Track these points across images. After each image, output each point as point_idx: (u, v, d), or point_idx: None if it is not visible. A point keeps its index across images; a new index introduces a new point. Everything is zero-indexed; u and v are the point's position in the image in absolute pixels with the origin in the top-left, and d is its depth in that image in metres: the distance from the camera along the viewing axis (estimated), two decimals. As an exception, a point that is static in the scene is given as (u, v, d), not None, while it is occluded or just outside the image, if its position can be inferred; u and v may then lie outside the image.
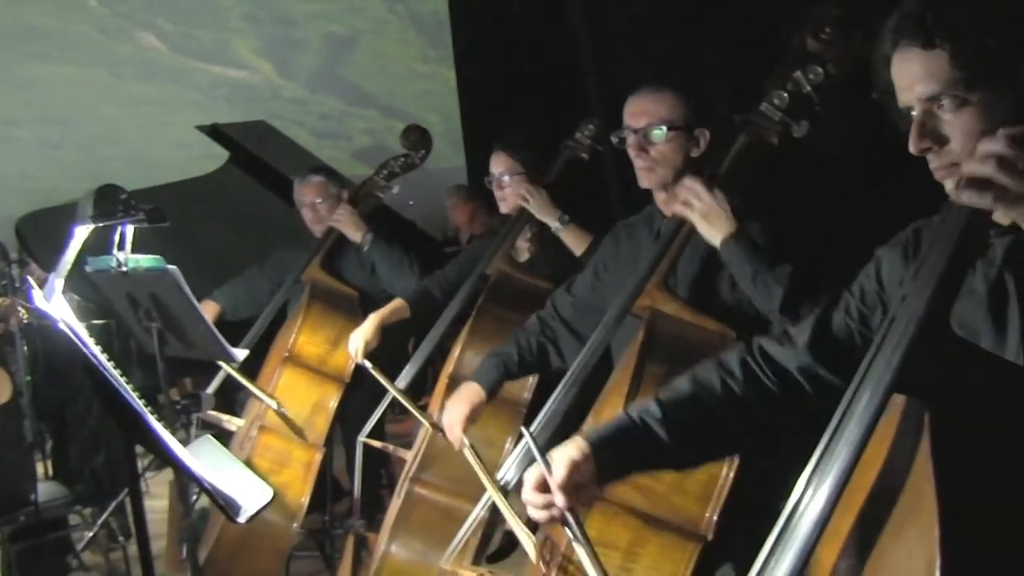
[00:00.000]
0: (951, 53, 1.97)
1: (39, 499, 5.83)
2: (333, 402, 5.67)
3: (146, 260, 4.44)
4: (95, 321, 7.16)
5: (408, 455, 4.85)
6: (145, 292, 4.57)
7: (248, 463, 4.67)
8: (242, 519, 2.76)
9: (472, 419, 4.00)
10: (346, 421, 5.88)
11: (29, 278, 3.41)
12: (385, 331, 5.27)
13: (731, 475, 3.04)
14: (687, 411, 2.58)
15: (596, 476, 2.48)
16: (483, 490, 3.86)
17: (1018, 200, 1.73)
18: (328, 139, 13.55)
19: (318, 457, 5.60)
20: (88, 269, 4.59)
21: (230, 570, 5.53)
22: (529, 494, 2.47)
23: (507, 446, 4.39)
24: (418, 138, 5.85)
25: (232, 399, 6.70)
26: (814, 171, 4.90)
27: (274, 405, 5.40)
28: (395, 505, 4.74)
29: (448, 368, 4.75)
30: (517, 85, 10.59)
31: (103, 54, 12.49)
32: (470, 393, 4.06)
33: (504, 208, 5.14)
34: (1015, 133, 1.72)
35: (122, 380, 2.76)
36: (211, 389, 5.59)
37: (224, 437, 4.95)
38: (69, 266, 3.26)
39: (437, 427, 4.30)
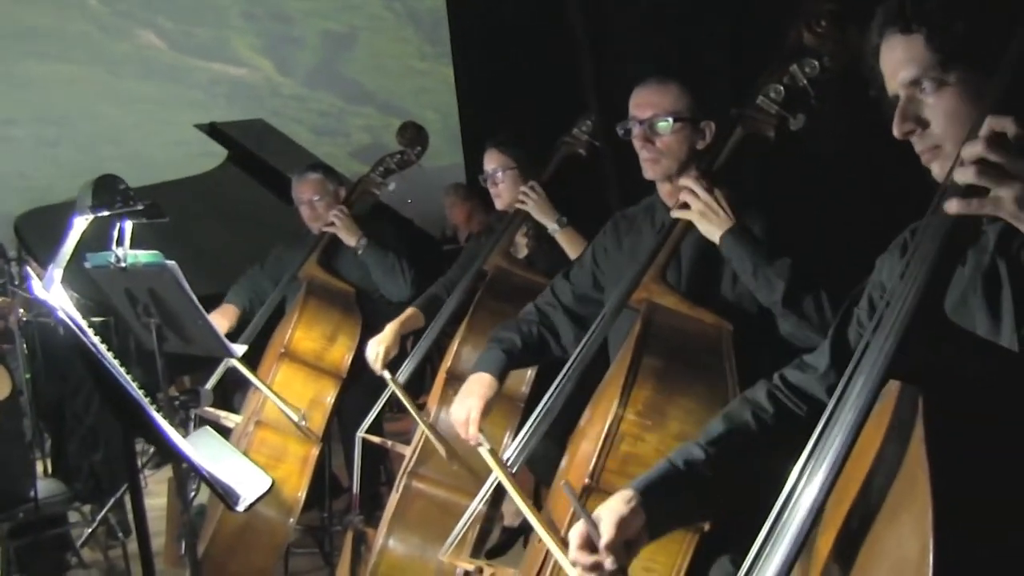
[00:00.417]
0: (926, 36, 2.02)
1: (38, 496, 5.82)
2: (330, 397, 5.69)
3: (145, 255, 4.43)
4: (94, 318, 7.15)
5: (407, 451, 4.85)
6: (144, 288, 4.56)
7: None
8: (241, 508, 2.76)
9: (486, 412, 3.97)
10: (344, 417, 5.89)
11: (28, 268, 3.42)
12: (383, 326, 5.29)
13: (728, 466, 3.05)
14: (726, 448, 2.62)
15: (647, 527, 2.47)
16: (480, 484, 3.87)
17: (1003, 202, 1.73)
18: (327, 136, 13.54)
19: (315, 451, 5.61)
20: (87, 265, 4.58)
21: (227, 566, 5.53)
22: (576, 554, 2.44)
23: (505, 440, 4.40)
24: (414, 135, 5.85)
25: (230, 396, 6.71)
26: (810, 166, 4.90)
27: (296, 417, 5.38)
28: (393, 500, 4.74)
29: (446, 364, 4.75)
30: (515, 82, 10.59)
31: (102, 52, 12.48)
32: (480, 386, 4.01)
33: (499, 205, 5.16)
34: (991, 131, 1.72)
35: (122, 371, 2.76)
36: (210, 385, 5.60)
37: (222, 433, 4.96)
38: (68, 257, 3.26)
39: (448, 449, 4.29)
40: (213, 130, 9.94)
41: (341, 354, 5.73)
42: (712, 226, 3.41)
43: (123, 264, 4.39)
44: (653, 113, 3.66)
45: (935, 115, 2.05)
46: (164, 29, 12.80)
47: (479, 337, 4.68)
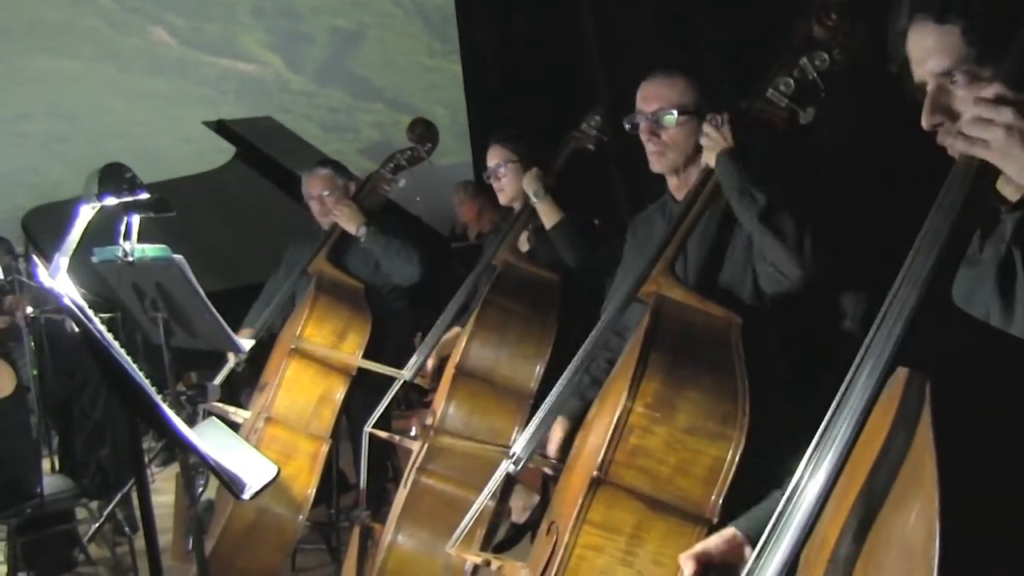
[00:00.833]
0: (963, 28, 1.97)
1: (45, 492, 5.83)
2: (339, 394, 5.68)
3: (152, 250, 4.44)
4: (101, 314, 7.15)
5: (414, 446, 4.85)
6: (151, 282, 4.57)
7: (253, 454, 4.68)
8: (247, 496, 2.75)
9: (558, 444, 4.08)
10: (351, 413, 5.88)
11: (34, 257, 3.42)
12: (392, 322, 5.30)
13: (736, 458, 3.03)
14: None
15: None
16: (488, 479, 3.87)
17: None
18: (336, 132, 13.56)
19: (324, 448, 5.61)
20: (94, 260, 4.59)
21: (235, 562, 5.53)
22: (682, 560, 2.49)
23: (513, 435, 4.39)
24: (424, 131, 5.85)
25: (237, 392, 6.71)
26: (819, 159, 4.89)
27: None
28: (402, 495, 4.74)
29: (454, 359, 4.75)
30: (523, 78, 10.59)
31: (112, 48, 12.50)
32: (558, 427, 4.10)
33: (503, 199, 5.16)
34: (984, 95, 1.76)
35: (128, 358, 2.76)
36: (217, 380, 5.60)
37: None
38: (74, 245, 3.25)
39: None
40: (221, 127, 9.96)
41: (351, 351, 5.71)
42: (710, 152, 3.45)
43: (130, 258, 4.40)
44: (659, 106, 3.67)
45: (966, 108, 2.02)
46: (174, 25, 12.82)
47: (488, 332, 4.68)
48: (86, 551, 6.64)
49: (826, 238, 3.32)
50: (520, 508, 5.44)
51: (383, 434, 5.14)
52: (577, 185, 4.88)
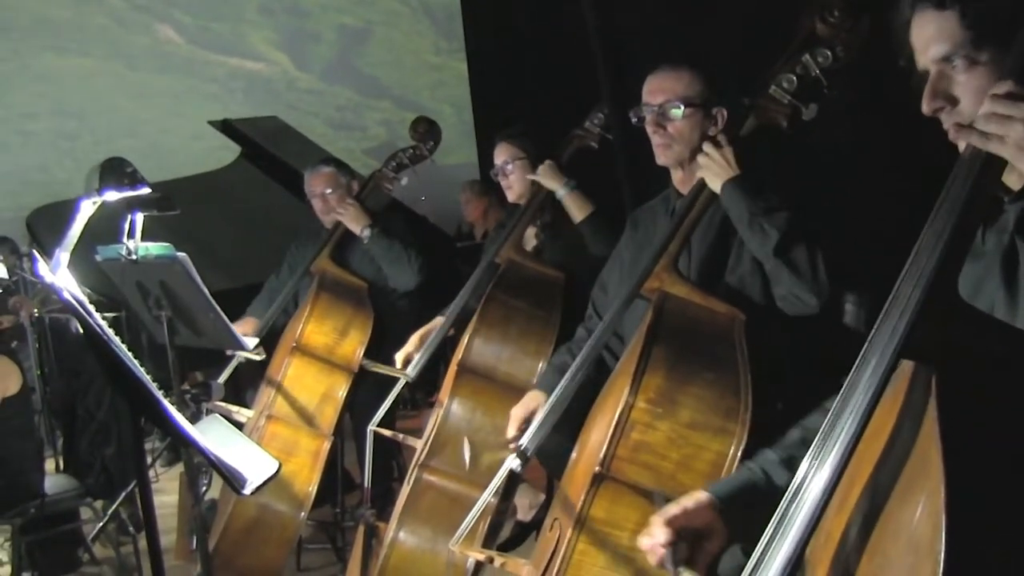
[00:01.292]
0: (960, 12, 2.00)
1: (50, 492, 5.83)
2: (342, 392, 5.68)
3: (156, 248, 4.44)
4: (106, 314, 7.16)
5: (419, 444, 4.84)
6: (155, 280, 4.57)
7: (256, 452, 4.68)
8: (247, 491, 2.74)
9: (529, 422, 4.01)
10: (355, 412, 5.88)
11: (35, 252, 3.41)
12: (395, 321, 5.29)
13: (739, 453, 3.03)
14: (801, 452, 2.60)
15: (727, 532, 2.48)
16: (491, 477, 3.86)
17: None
18: (343, 130, 13.57)
19: (326, 446, 5.61)
20: (98, 258, 4.60)
21: (238, 560, 5.53)
22: (640, 540, 2.48)
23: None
24: (427, 129, 5.85)
25: (242, 391, 6.71)
26: (823, 155, 4.89)
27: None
28: (404, 492, 4.74)
29: (457, 356, 4.74)
30: (528, 76, 10.58)
31: (120, 47, 12.50)
32: (531, 400, 4.08)
33: (511, 197, 5.17)
34: (998, 91, 1.77)
35: (129, 354, 2.76)
36: (221, 379, 5.59)
37: (234, 427, 4.96)
38: (75, 240, 3.25)
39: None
40: (226, 127, 9.96)
41: (352, 348, 5.71)
42: (715, 177, 3.44)
43: (134, 257, 4.40)
44: (665, 99, 3.67)
45: (965, 93, 2.04)
46: (182, 24, 12.83)
47: (490, 330, 4.67)
48: (90, 551, 6.64)
49: (835, 253, 3.33)
50: (526, 506, 5.44)
51: (387, 432, 5.14)
52: (581, 182, 4.88)
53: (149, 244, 4.43)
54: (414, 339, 5.26)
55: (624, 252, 4.12)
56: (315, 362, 5.65)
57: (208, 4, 12.99)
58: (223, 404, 5.34)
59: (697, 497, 2.48)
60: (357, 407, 5.82)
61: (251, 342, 5.05)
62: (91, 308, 2.75)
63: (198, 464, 5.03)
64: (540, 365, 4.57)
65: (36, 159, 11.86)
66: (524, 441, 3.68)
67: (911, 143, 2.17)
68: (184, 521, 5.87)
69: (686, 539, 2.41)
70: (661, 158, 3.73)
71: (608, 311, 3.70)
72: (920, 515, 1.53)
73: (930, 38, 2.06)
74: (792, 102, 3.39)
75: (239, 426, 5.19)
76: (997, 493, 1.51)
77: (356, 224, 5.84)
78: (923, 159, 2.17)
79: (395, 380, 5.06)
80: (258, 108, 11.39)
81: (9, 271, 7.04)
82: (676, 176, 3.81)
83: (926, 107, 2.07)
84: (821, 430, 1.79)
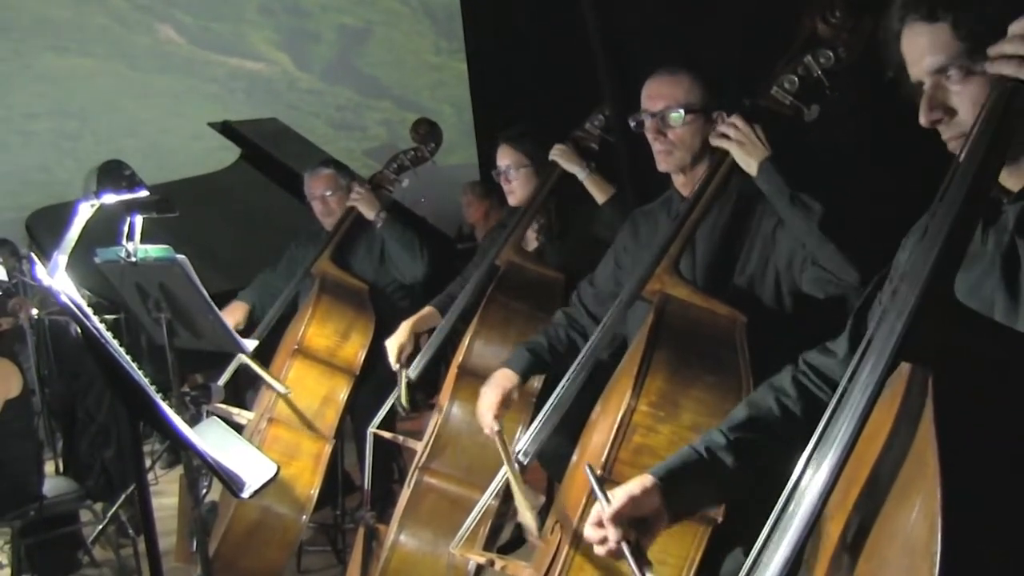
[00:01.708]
0: (953, 24, 2.00)
1: (49, 494, 5.83)
2: (343, 394, 5.68)
3: (155, 250, 4.44)
4: (105, 316, 7.16)
5: (419, 447, 4.84)
6: (154, 282, 4.57)
7: (257, 455, 4.68)
8: (246, 494, 2.74)
9: (505, 405, 4.01)
10: (356, 414, 5.88)
11: (33, 255, 3.41)
12: (396, 322, 5.28)
13: (739, 458, 3.02)
14: (749, 434, 2.63)
15: (666, 510, 2.48)
16: (492, 479, 3.86)
17: None
18: (344, 130, 13.58)
19: (327, 449, 5.61)
20: (97, 260, 4.59)
21: (239, 562, 5.53)
22: (588, 529, 2.48)
23: (517, 434, 4.38)
24: (427, 131, 5.85)
25: (242, 394, 6.70)
26: (824, 156, 4.88)
27: (283, 390, 5.43)
28: (405, 494, 4.74)
29: (458, 358, 4.74)
30: (528, 77, 10.57)
31: (121, 47, 12.50)
32: (503, 378, 4.06)
33: (512, 201, 5.15)
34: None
35: (127, 356, 2.75)
36: (221, 381, 5.59)
37: (234, 430, 4.96)
38: (73, 243, 3.24)
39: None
40: (226, 128, 9.96)
41: (354, 351, 5.72)
42: (750, 157, 3.38)
43: (133, 259, 4.40)
44: (665, 105, 3.65)
45: (962, 103, 2.03)
46: (183, 24, 12.84)
47: (491, 331, 4.67)
48: (90, 553, 6.64)
49: (865, 235, 3.31)
50: (525, 509, 5.42)
51: (387, 435, 5.14)
52: (581, 184, 4.87)
53: (148, 246, 4.42)
54: (404, 328, 5.24)
55: (620, 251, 4.10)
56: (317, 365, 5.66)
57: (209, 4, 13.00)
58: (223, 406, 5.33)
59: (643, 483, 2.47)
60: (357, 409, 5.81)
61: (251, 344, 5.04)
62: (89, 312, 2.74)
63: (198, 466, 5.02)
64: (542, 367, 4.57)
65: (37, 159, 11.86)
66: (524, 445, 3.66)
67: (911, 144, 2.16)
68: (184, 523, 5.86)
69: (634, 526, 2.41)
70: (662, 164, 3.71)
71: (608, 313, 3.69)
72: (917, 517, 1.53)
73: (923, 50, 2.06)
74: (794, 103, 3.37)
75: (239, 428, 5.21)
76: (994, 495, 1.51)
77: (370, 209, 5.82)
78: (922, 160, 2.16)
79: (395, 381, 5.06)
80: (259, 108, 11.40)
81: (9, 273, 7.03)
82: (678, 180, 3.79)
83: (924, 119, 2.07)
84: (819, 431, 1.79)
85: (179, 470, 6.94)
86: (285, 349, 5.79)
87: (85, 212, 3.49)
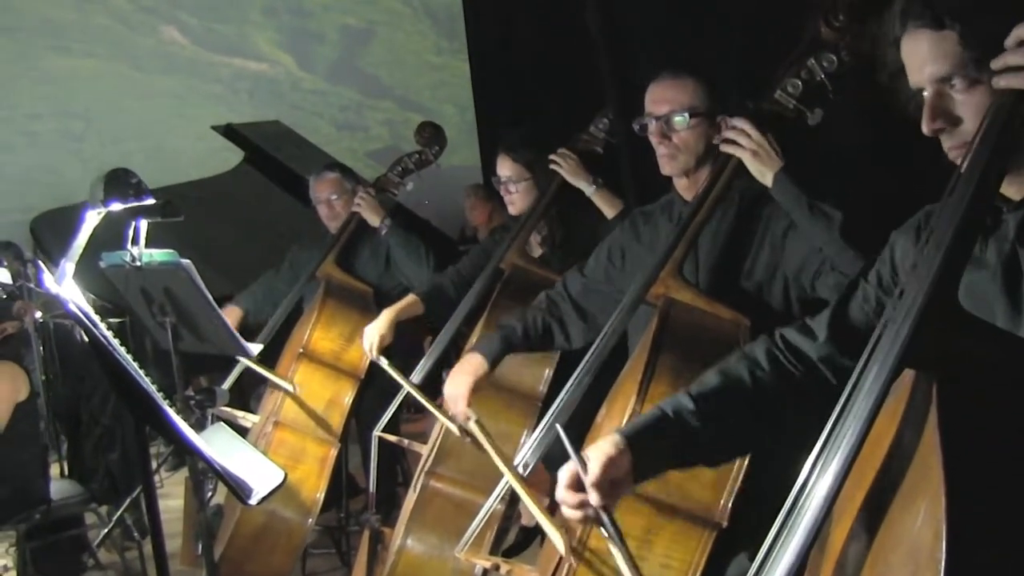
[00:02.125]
0: (960, 34, 1.98)
1: (54, 497, 5.84)
2: (348, 398, 5.69)
3: (160, 254, 4.44)
4: (110, 320, 7.16)
5: (423, 450, 4.84)
6: (159, 287, 4.57)
7: (262, 459, 4.68)
8: (253, 501, 2.74)
9: (476, 389, 4.00)
10: (360, 417, 5.89)
11: (40, 263, 3.42)
12: (400, 327, 5.28)
13: (745, 462, 3.02)
14: (717, 401, 2.61)
15: (632, 471, 2.47)
16: (497, 483, 3.86)
17: None
18: (347, 131, 13.58)
19: (333, 452, 5.62)
20: (102, 265, 4.59)
21: (245, 566, 5.54)
22: (563, 493, 2.45)
23: (522, 439, 4.38)
24: (432, 135, 5.84)
25: (247, 397, 6.70)
26: (828, 159, 4.88)
27: (289, 388, 5.43)
28: (410, 499, 4.74)
29: (462, 362, 4.74)
30: (531, 77, 10.58)
31: (125, 47, 12.49)
32: (472, 364, 4.05)
33: (512, 211, 5.14)
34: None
35: (134, 364, 2.76)
36: (226, 385, 5.59)
37: (239, 434, 4.97)
38: (80, 251, 3.25)
39: (454, 421, 4.26)
40: (230, 131, 9.97)
41: (359, 354, 5.72)
42: (764, 166, 3.35)
43: (138, 263, 4.40)
44: (669, 109, 3.63)
45: (967, 112, 2.01)
46: (186, 25, 12.83)
47: (495, 336, 4.67)
48: (95, 556, 6.65)
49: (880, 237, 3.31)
50: (529, 512, 5.43)
51: (392, 438, 5.14)
52: (582, 192, 4.87)
53: (153, 251, 4.43)
54: (386, 318, 5.23)
55: (615, 248, 4.08)
56: (321, 368, 5.67)
57: (212, 5, 13.00)
58: (228, 409, 5.34)
59: (616, 443, 2.46)
60: (362, 412, 5.82)
61: (255, 348, 5.05)
62: (97, 319, 2.75)
63: (203, 469, 5.02)
64: (546, 372, 4.56)
65: (41, 160, 11.86)
66: (529, 450, 3.66)
67: (912, 147, 2.16)
68: (189, 526, 5.86)
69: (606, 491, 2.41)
70: (666, 168, 3.70)
71: (611, 317, 3.68)
72: (921, 522, 1.53)
73: (926, 58, 2.04)
74: (797, 107, 3.36)
75: (244, 432, 5.21)
76: (998, 501, 1.51)
77: (374, 216, 5.83)
78: (924, 163, 2.15)
79: (400, 385, 5.05)
80: (262, 108, 11.41)
81: (13, 277, 7.04)
82: (680, 184, 3.78)
83: (927, 128, 2.05)
84: (823, 436, 1.79)
85: (184, 472, 6.95)
86: (290, 352, 5.80)
87: (92, 220, 3.49)
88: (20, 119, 12.18)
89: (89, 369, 6.84)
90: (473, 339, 4.73)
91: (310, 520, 5.59)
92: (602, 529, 2.43)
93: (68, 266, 3.01)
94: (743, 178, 3.44)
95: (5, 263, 6.97)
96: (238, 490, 2.74)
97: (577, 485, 2.42)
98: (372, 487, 5.21)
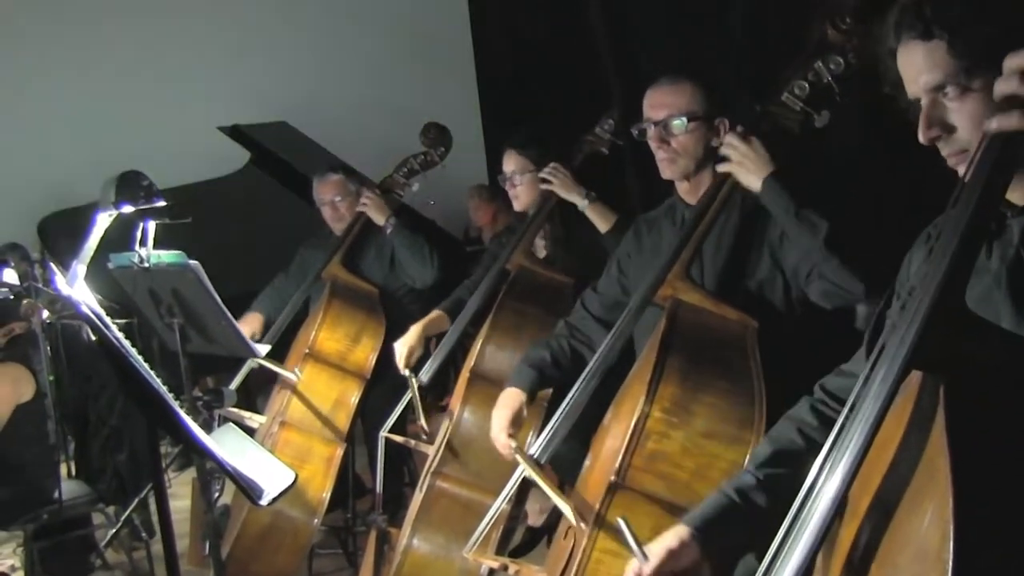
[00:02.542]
0: (949, 43, 2.00)
1: (62, 497, 5.84)
2: (354, 398, 5.69)
3: (168, 256, 4.45)
4: (118, 320, 7.16)
5: (430, 450, 4.85)
6: (167, 288, 4.58)
7: (269, 458, 4.68)
8: (264, 501, 2.75)
9: (516, 423, 4.01)
10: (367, 417, 5.89)
11: (52, 264, 3.44)
12: (407, 326, 5.30)
13: (752, 462, 3.04)
14: (776, 470, 2.64)
15: (705, 560, 2.51)
16: (504, 483, 3.86)
17: None
18: (351, 133, 13.57)
19: (339, 452, 5.62)
20: (110, 266, 4.60)
21: (251, 566, 5.54)
22: None
23: (529, 439, 4.39)
24: (437, 135, 5.84)
25: (253, 397, 6.71)
26: (834, 161, 4.89)
27: (293, 377, 5.45)
28: (417, 499, 4.74)
29: (469, 363, 4.75)
30: (536, 78, 10.57)
31: (129, 48, 12.48)
32: (510, 399, 4.07)
33: (517, 206, 5.16)
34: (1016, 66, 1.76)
35: (146, 366, 2.77)
36: (233, 385, 5.60)
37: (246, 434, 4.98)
38: (91, 253, 3.27)
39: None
40: (236, 132, 9.96)
41: (365, 355, 5.73)
42: (751, 175, 3.38)
43: (146, 264, 4.41)
44: (668, 113, 3.66)
45: (961, 120, 2.03)
46: (191, 25, 12.81)
47: (502, 336, 4.68)
48: (103, 556, 6.66)
49: (871, 245, 3.32)
50: (536, 512, 5.44)
51: (399, 438, 5.14)
52: (591, 188, 4.87)
53: (161, 252, 4.44)
54: (414, 332, 5.25)
55: (623, 257, 4.11)
56: (328, 368, 5.67)
57: (216, 6, 12.98)
58: (235, 410, 5.34)
59: (679, 535, 2.50)
60: (369, 412, 5.82)
61: (263, 349, 5.06)
62: (108, 321, 2.76)
63: (211, 469, 5.03)
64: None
65: (48, 162, 11.85)
66: (536, 450, 3.67)
67: (915, 149, 2.17)
68: (197, 526, 5.87)
69: None
70: (666, 172, 3.73)
71: (619, 319, 3.69)
72: (928, 524, 1.54)
73: (919, 68, 2.05)
74: (804, 109, 3.38)
75: (251, 432, 5.22)
76: (1005, 502, 1.52)
77: (380, 215, 5.83)
78: (926, 164, 2.17)
79: (407, 385, 5.06)
80: (266, 111, 11.38)
81: (21, 277, 7.04)
82: (682, 187, 3.80)
83: (923, 137, 2.07)
84: (831, 438, 1.81)
85: (190, 473, 6.96)
86: (296, 353, 5.80)
87: (103, 223, 3.51)
88: (24, 120, 12.16)
89: (96, 369, 6.85)
90: (480, 339, 4.74)
91: (316, 520, 5.59)
92: None
93: (80, 268, 3.03)
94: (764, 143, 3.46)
95: (12, 264, 6.97)
96: (249, 491, 2.75)
97: None
98: (379, 487, 5.22)
